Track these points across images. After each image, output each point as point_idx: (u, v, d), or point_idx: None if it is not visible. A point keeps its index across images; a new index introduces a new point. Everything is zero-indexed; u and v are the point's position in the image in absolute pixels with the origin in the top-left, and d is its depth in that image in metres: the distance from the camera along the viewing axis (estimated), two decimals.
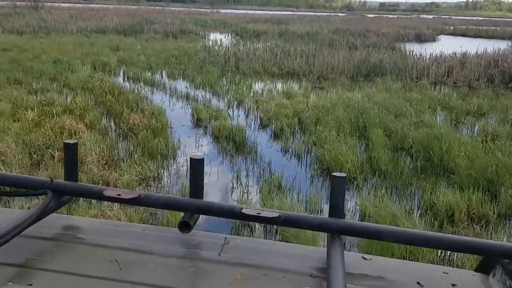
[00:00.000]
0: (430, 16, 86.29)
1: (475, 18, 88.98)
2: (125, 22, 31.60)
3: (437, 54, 18.15)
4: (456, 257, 4.51)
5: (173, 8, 66.74)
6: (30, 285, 1.02)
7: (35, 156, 6.57)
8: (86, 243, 1.20)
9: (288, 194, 5.91)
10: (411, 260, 4.18)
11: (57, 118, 8.28)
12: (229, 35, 31.04)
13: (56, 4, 54.60)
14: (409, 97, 11.46)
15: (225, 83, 13.20)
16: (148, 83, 12.98)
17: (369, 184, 6.33)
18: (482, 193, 5.75)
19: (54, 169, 5.93)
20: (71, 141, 1.30)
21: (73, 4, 62.43)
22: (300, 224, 1.20)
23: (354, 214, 5.47)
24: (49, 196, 1.19)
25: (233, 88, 12.40)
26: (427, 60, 16.93)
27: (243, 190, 6.05)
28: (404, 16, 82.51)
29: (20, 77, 11.95)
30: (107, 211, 4.94)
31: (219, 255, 1.17)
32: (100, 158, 6.57)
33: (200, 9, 69.91)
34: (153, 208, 5.25)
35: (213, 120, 9.09)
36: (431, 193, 5.87)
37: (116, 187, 5.75)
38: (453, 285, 1.10)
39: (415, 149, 7.51)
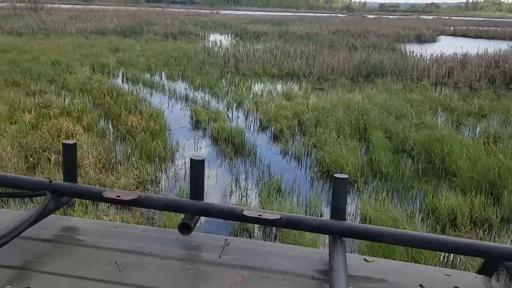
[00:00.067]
0: (430, 17, 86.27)
1: (475, 18, 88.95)
2: (125, 23, 31.54)
3: (437, 54, 18.07)
4: (459, 260, 4.43)
5: (173, 9, 66.73)
6: (29, 287, 1.01)
7: (31, 159, 6.48)
8: (85, 244, 1.19)
9: (288, 198, 5.82)
10: (413, 262, 4.11)
11: (55, 120, 8.20)
12: (229, 36, 30.98)
13: (56, 6, 54.63)
14: (409, 98, 11.37)
15: (224, 84, 13.12)
16: (147, 84, 12.90)
17: (370, 187, 6.25)
18: (485, 197, 5.67)
19: (50, 172, 5.86)
20: (70, 142, 1.29)
21: (72, 6, 62.49)
22: (301, 226, 1.19)
23: (355, 218, 5.38)
24: (48, 197, 1.18)
25: (233, 89, 12.32)
26: (427, 61, 16.85)
27: (242, 194, 5.96)
28: (404, 16, 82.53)
29: (18, 79, 11.87)
30: (102, 216, 4.85)
31: (220, 257, 1.16)
32: (97, 161, 6.49)
33: (200, 10, 69.91)
34: (152, 212, 5.26)
35: (212, 122, 9.01)
36: (433, 196, 5.78)
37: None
38: (456, 287, 1.09)
39: (416, 151, 7.42)
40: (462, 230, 5.06)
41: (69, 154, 1.29)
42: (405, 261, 4.12)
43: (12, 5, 44.17)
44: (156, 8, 69.87)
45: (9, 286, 1.00)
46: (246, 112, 10.19)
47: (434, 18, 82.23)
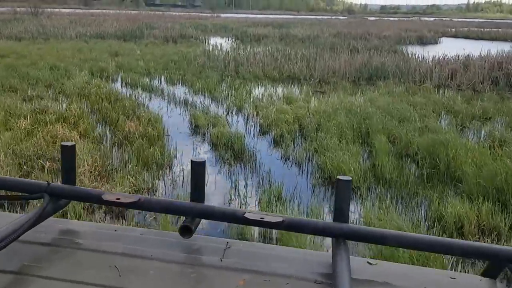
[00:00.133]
0: (431, 19, 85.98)
1: (476, 20, 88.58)
2: (125, 27, 31.40)
3: (439, 56, 17.89)
4: (462, 261, 4.26)
5: (174, 13, 66.57)
6: None
7: (25, 167, 6.32)
8: (84, 248, 1.17)
9: (289, 205, 5.65)
10: (417, 265, 3.95)
11: (50, 126, 8.04)
12: (230, 39, 30.83)
13: (57, 10, 54.60)
14: (412, 101, 11.19)
15: (224, 88, 12.96)
16: (146, 89, 12.73)
17: (373, 194, 6.06)
18: (492, 203, 5.47)
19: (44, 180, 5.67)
20: (69, 143, 1.27)
21: (73, 10, 62.41)
22: (304, 229, 1.19)
23: None
24: (46, 200, 1.16)
25: (233, 93, 12.15)
26: (429, 63, 16.65)
27: (241, 201, 5.79)
28: (405, 18, 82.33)
29: (16, 84, 11.71)
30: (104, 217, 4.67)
31: (221, 260, 1.15)
32: (93, 168, 6.32)
33: (200, 14, 69.82)
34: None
35: (211, 127, 8.83)
36: (438, 203, 5.59)
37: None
38: None
39: (420, 156, 7.24)
40: (470, 239, 4.86)
41: (68, 155, 1.27)
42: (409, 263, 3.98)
43: (13, 10, 44.12)
44: (157, 11, 69.75)
45: None
46: (246, 116, 10.02)
47: (435, 19, 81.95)
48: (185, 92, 12.44)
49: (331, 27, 39.24)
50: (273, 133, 8.65)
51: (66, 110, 9.27)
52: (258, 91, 12.87)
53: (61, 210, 1.31)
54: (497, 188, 5.91)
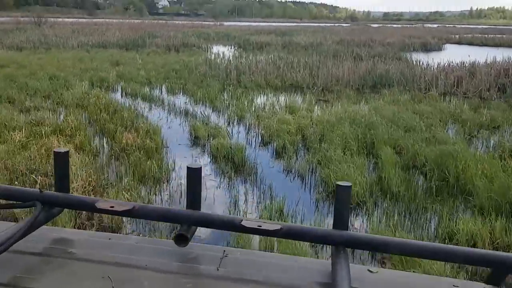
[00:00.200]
0: (435, 25, 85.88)
1: (480, 26, 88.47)
2: (128, 37, 31.28)
3: (444, 63, 17.61)
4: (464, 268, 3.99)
5: (177, 22, 66.70)
6: None
7: (16, 182, 6.07)
8: (77, 258, 1.14)
9: (291, 222, 5.37)
10: (419, 272, 3.76)
11: (46, 139, 7.81)
12: (232, 47, 30.67)
13: (60, 19, 54.74)
14: (418, 109, 10.90)
15: (225, 97, 12.72)
16: (146, 99, 12.51)
17: (380, 209, 5.77)
18: (506, 219, 5.19)
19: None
20: (62, 150, 1.25)
21: (76, 19, 62.59)
22: (302, 237, 1.17)
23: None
24: (38, 208, 1.14)
25: (234, 103, 11.91)
26: (434, 70, 16.38)
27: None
28: (408, 25, 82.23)
29: (13, 95, 11.51)
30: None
31: (217, 269, 1.11)
32: (87, 184, 6.07)
33: (203, 22, 69.86)
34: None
35: (211, 139, 8.58)
36: (449, 219, 5.30)
37: (101, 216, 5.25)
38: None
39: (428, 168, 6.95)
40: None
41: (61, 162, 1.24)
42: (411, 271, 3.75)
43: (16, 19, 44.21)
44: (160, 20, 69.94)
45: None
46: (247, 127, 9.76)
47: (438, 26, 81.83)
48: (185, 102, 12.21)
49: (334, 35, 39.09)
50: (275, 144, 8.39)
51: (63, 122, 9.04)
52: (260, 100, 12.62)
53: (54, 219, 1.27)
54: (510, 203, 5.62)
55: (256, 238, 4.75)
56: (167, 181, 6.68)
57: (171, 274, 1.11)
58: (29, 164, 6.63)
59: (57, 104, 11.15)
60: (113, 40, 28.96)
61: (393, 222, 5.24)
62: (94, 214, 5.30)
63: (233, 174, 7.02)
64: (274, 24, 73.21)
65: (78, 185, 5.88)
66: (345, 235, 1.11)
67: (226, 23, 69.42)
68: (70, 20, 58.30)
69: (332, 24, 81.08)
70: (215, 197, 6.17)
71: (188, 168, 1.20)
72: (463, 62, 17.89)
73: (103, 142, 8.34)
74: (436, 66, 17.21)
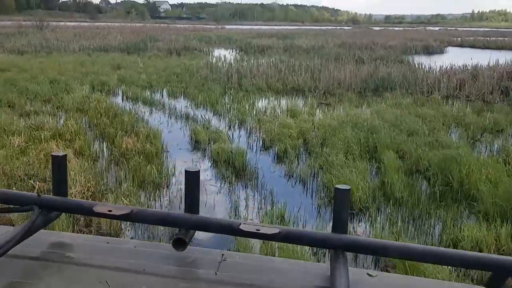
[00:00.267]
0: (436, 28, 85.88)
1: (482, 29, 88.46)
2: (129, 40, 31.26)
3: (447, 66, 17.52)
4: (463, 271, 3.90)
5: (179, 25, 66.73)
6: None
7: (14, 188, 5.99)
8: (75, 262, 1.14)
9: (292, 227, 5.27)
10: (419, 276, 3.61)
11: (45, 143, 7.74)
12: (233, 50, 30.64)
13: (62, 23, 54.77)
14: (421, 113, 10.81)
15: (226, 101, 12.65)
16: (147, 102, 12.45)
17: (383, 215, 5.68)
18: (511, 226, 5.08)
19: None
20: (60, 153, 1.25)
21: (78, 23, 62.69)
22: (301, 240, 1.18)
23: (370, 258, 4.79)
24: (36, 212, 1.14)
25: (235, 106, 11.83)
26: (437, 73, 16.30)
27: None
28: (410, 28, 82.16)
29: (14, 99, 11.45)
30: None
31: (216, 274, 1.12)
32: (86, 189, 5.99)
33: (205, 26, 69.85)
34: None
35: (212, 143, 8.50)
36: (453, 226, 5.21)
37: (99, 223, 5.18)
38: None
39: (431, 173, 6.85)
40: None
41: (59, 166, 1.24)
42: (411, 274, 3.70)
43: (18, 23, 44.26)
44: (161, 24, 70.01)
45: None
46: (248, 131, 9.68)
47: (440, 29, 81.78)
48: (186, 106, 12.14)
49: (336, 38, 39.05)
50: (276, 149, 8.30)
51: (63, 126, 8.97)
52: (261, 104, 12.55)
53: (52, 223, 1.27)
54: None
55: (258, 241, 4.68)
56: (167, 186, 6.60)
57: (169, 278, 1.11)
58: (27, 170, 6.56)
59: (57, 108, 11.08)
60: (115, 43, 28.95)
61: (397, 228, 5.15)
62: (93, 220, 5.24)
63: (233, 179, 6.93)
64: (275, 27, 73.28)
65: (77, 191, 5.80)
66: (344, 238, 1.10)
67: (227, 27, 69.45)
68: (72, 24, 58.37)
69: (334, 27, 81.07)
70: (216, 203, 6.08)
71: (186, 171, 1.19)
72: (466, 65, 17.80)
73: (103, 147, 8.27)
74: (438, 69, 17.12)
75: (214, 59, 22.78)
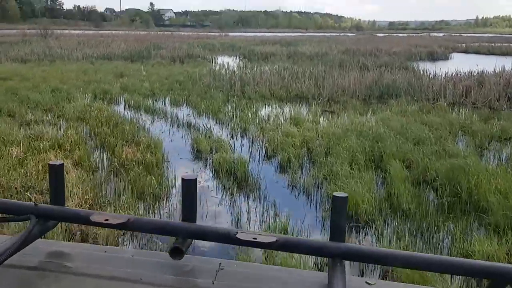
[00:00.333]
0: (441, 34, 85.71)
1: (486, 35, 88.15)
2: (133, 48, 31.26)
3: (452, 73, 17.32)
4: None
5: (182, 33, 66.91)
6: None
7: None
8: (72, 272, 1.13)
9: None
10: (418, 284, 3.43)
11: (44, 154, 7.61)
12: (237, 58, 30.55)
13: (66, 31, 55.04)
14: (427, 120, 10.61)
15: (229, 109, 12.50)
16: (149, 111, 12.31)
17: (390, 228, 5.49)
18: None
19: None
20: (57, 162, 1.26)
21: (83, 31, 62.93)
22: (298, 249, 1.15)
23: (379, 275, 4.57)
24: (33, 221, 1.13)
25: (238, 114, 11.68)
26: (442, 80, 16.10)
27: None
28: (414, 34, 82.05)
29: (14, 108, 11.34)
30: None
31: (213, 283, 1.10)
32: (83, 202, 5.84)
33: (209, 33, 70.07)
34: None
35: (214, 152, 8.34)
36: (463, 239, 5.01)
37: (96, 238, 5.02)
38: None
39: (439, 183, 6.65)
40: None
41: (56, 175, 1.24)
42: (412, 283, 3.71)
43: (22, 32, 44.40)
44: (166, 32, 70.14)
45: None
46: (251, 139, 9.51)
47: (444, 35, 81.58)
48: (188, 114, 12.00)
49: (340, 44, 38.93)
50: (279, 158, 8.13)
51: (63, 136, 8.83)
52: (264, 111, 12.40)
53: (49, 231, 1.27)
54: None
55: (257, 249, 4.54)
56: (166, 198, 6.44)
57: (166, 287, 1.10)
58: (24, 181, 6.42)
59: (58, 117, 10.97)
60: (118, 51, 28.91)
61: (404, 242, 4.96)
62: (89, 235, 5.09)
63: (235, 190, 6.76)
64: (279, 34, 73.34)
65: (74, 204, 5.65)
66: (342, 247, 1.08)
67: (231, 34, 69.59)
68: (77, 32, 58.62)
69: (338, 34, 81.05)
70: (217, 215, 5.91)
71: (182, 179, 1.18)
72: (471, 71, 17.60)
73: (102, 157, 8.12)
74: (443, 75, 16.94)
75: (217, 66, 22.68)
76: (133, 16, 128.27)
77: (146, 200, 6.23)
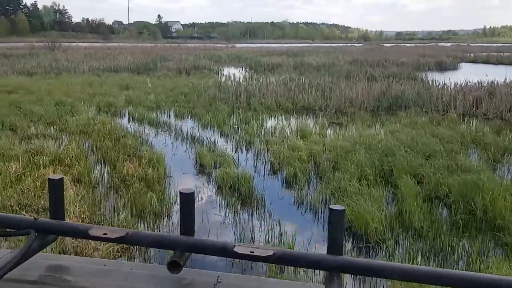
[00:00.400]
0: (448, 44, 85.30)
1: (494, 44, 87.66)
2: (139, 60, 31.21)
3: (461, 83, 17.02)
4: None
5: (189, 45, 67.09)
6: None
7: None
8: (72, 285, 1.16)
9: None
10: None
11: (43, 169, 7.40)
12: (243, 69, 30.42)
13: (74, 44, 55.31)
14: (437, 133, 10.31)
15: (234, 121, 12.28)
16: (153, 124, 12.11)
17: (402, 248, 5.20)
18: None
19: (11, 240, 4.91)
20: (56, 177, 1.27)
21: (91, 44, 63.26)
22: (296, 262, 1.17)
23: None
24: (33, 236, 1.15)
25: (243, 127, 11.46)
26: (452, 90, 15.77)
27: (245, 262, 4.94)
28: (421, 44, 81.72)
29: (16, 122, 11.19)
30: None
31: None
32: (80, 220, 5.61)
33: (216, 45, 70.20)
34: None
35: (217, 167, 8.10)
36: (479, 261, 4.71)
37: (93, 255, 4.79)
38: None
39: (452, 199, 6.36)
40: None
41: (55, 189, 1.26)
42: None
43: (30, 44, 44.68)
44: (172, 44, 70.36)
45: None
46: (256, 153, 9.26)
47: (452, 45, 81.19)
48: (192, 127, 11.79)
49: (347, 55, 38.74)
50: (285, 173, 7.87)
51: (64, 151, 8.63)
52: (270, 124, 12.16)
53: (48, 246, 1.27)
54: None
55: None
56: (167, 215, 6.19)
57: None
58: (21, 199, 6.21)
59: (60, 131, 10.79)
60: (125, 64, 28.84)
61: (417, 264, 4.65)
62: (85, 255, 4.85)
63: (239, 207, 6.50)
64: (286, 45, 73.32)
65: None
66: (340, 260, 1.08)
67: (238, 45, 69.68)
68: (85, 44, 58.83)
69: (345, 44, 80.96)
70: (219, 234, 5.65)
71: (180, 193, 1.19)
72: (481, 82, 17.30)
73: (103, 172, 7.89)
74: (453, 86, 16.62)
75: (223, 78, 22.53)
76: (141, 29, 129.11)
77: (145, 218, 5.99)
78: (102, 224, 5.67)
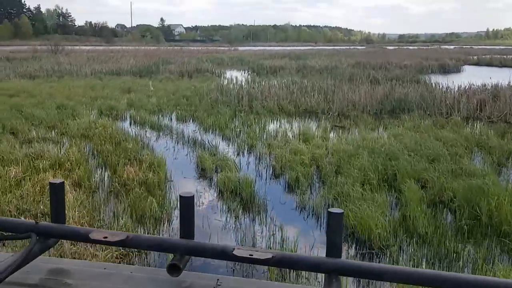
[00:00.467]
0: (451, 47, 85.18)
1: (497, 47, 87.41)
2: (142, 63, 31.19)
3: (465, 86, 16.89)
4: None
5: (192, 48, 67.07)
6: None
7: None
8: None
9: (304, 272, 4.72)
10: None
11: (43, 174, 7.33)
12: (245, 72, 30.35)
13: (77, 47, 55.42)
14: (441, 136, 10.20)
15: (236, 124, 12.20)
16: (154, 127, 12.05)
17: (406, 255, 5.10)
18: None
19: (16, 244, 4.86)
20: (57, 181, 1.27)
21: (93, 47, 63.35)
22: (295, 265, 1.16)
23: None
24: (34, 239, 1.16)
25: (245, 130, 11.37)
26: (455, 93, 15.66)
27: (246, 268, 4.85)
28: (424, 47, 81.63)
29: (17, 126, 11.13)
30: None
31: None
32: (79, 225, 5.52)
33: (218, 48, 70.24)
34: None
35: (219, 171, 8.02)
36: (486, 269, 4.60)
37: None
38: None
39: (457, 204, 6.25)
40: None
41: (56, 193, 1.26)
42: None
43: (33, 48, 44.78)
44: (175, 47, 70.41)
45: None
46: (258, 157, 9.18)
47: (455, 47, 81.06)
48: (194, 130, 11.71)
49: (350, 57, 38.65)
50: (287, 177, 7.78)
51: (64, 155, 8.56)
52: (272, 127, 12.08)
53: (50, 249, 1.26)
54: None
55: None
56: (167, 221, 6.11)
57: None
58: (20, 204, 6.13)
59: (61, 135, 10.73)
60: (127, 67, 28.82)
61: None
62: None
63: (240, 212, 6.42)
64: (288, 48, 73.28)
65: None
66: (339, 262, 1.09)
67: (240, 48, 69.70)
68: (87, 48, 58.93)
69: (347, 47, 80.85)
70: (220, 239, 5.56)
71: (180, 197, 1.20)
72: (485, 84, 17.18)
73: (103, 177, 7.82)
74: (456, 88, 16.50)
75: (226, 81, 22.47)
76: (143, 32, 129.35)
77: (145, 223, 5.91)
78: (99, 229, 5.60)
